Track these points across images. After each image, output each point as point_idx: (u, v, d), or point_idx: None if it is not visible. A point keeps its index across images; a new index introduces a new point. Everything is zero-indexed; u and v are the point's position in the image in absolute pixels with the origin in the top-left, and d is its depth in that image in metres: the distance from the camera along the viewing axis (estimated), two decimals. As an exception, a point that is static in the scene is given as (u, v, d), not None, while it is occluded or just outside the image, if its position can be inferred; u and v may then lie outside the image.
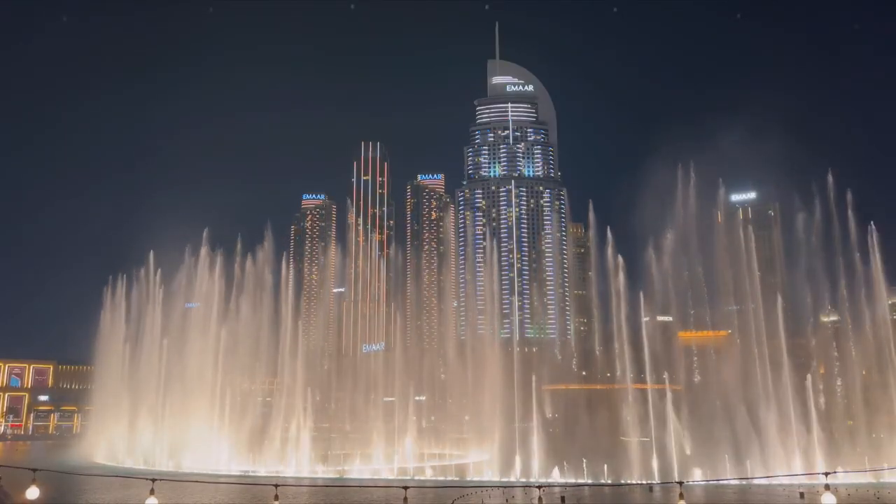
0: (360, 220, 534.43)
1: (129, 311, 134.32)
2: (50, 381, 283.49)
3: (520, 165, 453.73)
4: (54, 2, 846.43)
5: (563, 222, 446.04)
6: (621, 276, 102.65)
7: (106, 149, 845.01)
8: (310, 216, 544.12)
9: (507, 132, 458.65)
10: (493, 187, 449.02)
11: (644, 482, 75.88)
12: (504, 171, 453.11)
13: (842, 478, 71.75)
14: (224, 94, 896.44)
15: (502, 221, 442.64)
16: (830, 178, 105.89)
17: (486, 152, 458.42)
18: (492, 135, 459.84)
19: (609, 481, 78.20)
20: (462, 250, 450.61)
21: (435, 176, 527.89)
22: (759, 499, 69.61)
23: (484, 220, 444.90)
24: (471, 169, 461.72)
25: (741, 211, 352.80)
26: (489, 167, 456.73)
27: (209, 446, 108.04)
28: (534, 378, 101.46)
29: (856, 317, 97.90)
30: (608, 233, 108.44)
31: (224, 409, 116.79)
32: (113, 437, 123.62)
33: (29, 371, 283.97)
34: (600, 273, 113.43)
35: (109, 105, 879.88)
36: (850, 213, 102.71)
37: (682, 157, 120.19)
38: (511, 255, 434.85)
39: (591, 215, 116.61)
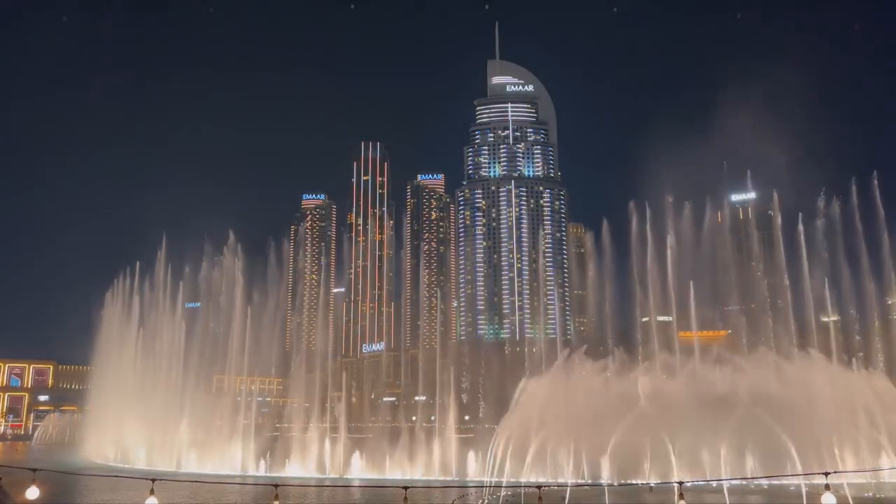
0: (360, 220, 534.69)
1: (129, 311, 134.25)
2: (50, 381, 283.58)
3: (520, 165, 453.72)
4: (58, 1, 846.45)
5: (562, 222, 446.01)
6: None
7: (106, 149, 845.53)
8: (310, 216, 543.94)
9: (507, 132, 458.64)
10: (493, 187, 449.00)
11: (644, 482, 75.79)
12: (504, 171, 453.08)
13: (843, 478, 71.60)
14: (223, 94, 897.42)
15: (502, 221, 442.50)
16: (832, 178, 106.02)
17: (486, 152, 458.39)
18: (492, 135, 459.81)
19: (609, 481, 78.04)
20: (462, 251, 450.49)
21: (435, 176, 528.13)
22: (761, 499, 69.58)
23: (484, 220, 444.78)
24: (471, 169, 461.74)
25: (741, 211, 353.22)
26: (489, 167, 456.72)
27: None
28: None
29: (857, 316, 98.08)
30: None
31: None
32: (112, 438, 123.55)
33: (29, 371, 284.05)
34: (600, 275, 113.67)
35: (109, 106, 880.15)
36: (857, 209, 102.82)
37: (682, 157, 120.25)
38: (511, 255, 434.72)
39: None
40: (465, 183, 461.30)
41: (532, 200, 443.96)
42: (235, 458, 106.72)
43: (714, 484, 72.28)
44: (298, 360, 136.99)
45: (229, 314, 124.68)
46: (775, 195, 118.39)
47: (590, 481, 79.62)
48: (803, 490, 66.02)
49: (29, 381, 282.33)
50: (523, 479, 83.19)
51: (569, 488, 68.80)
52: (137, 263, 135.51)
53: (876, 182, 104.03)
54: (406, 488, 24.93)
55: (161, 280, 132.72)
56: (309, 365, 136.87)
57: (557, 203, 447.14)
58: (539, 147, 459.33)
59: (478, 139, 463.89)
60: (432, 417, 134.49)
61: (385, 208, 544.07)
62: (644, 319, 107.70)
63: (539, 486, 25.84)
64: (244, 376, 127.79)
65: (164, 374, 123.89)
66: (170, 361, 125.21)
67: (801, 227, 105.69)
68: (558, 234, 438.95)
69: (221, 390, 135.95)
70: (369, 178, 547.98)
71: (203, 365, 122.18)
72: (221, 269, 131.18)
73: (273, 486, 24.61)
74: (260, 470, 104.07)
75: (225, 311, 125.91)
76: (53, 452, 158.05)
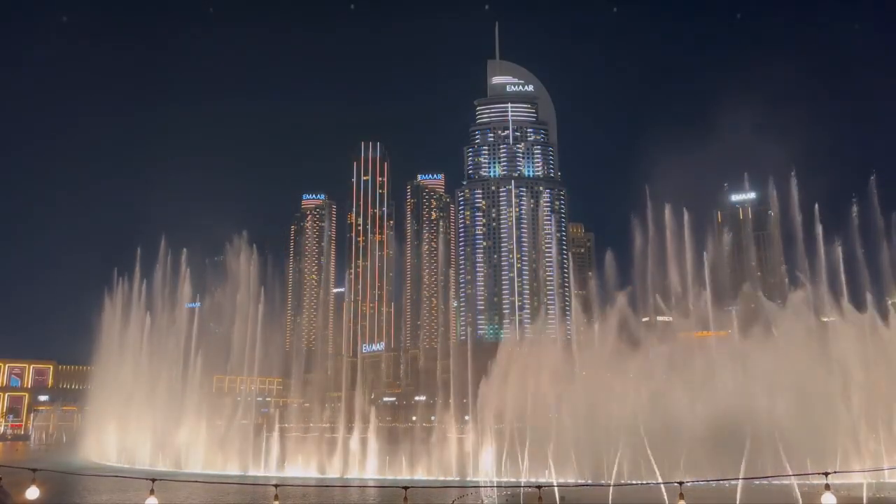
0: (360, 220, 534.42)
1: (129, 311, 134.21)
2: (50, 381, 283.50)
3: (520, 165, 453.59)
4: (56, 1, 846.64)
5: (562, 222, 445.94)
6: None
7: (106, 149, 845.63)
8: (310, 216, 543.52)
9: (507, 132, 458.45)
10: (493, 187, 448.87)
11: (644, 482, 75.77)
12: (504, 171, 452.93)
13: (841, 478, 71.60)
14: (223, 95, 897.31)
15: (502, 221, 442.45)
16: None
17: (486, 152, 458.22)
18: (492, 135, 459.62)
19: (609, 481, 78.05)
20: (462, 250, 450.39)
21: (435, 176, 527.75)
22: (763, 498, 69.55)
23: (484, 220, 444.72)
24: (471, 169, 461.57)
25: (741, 211, 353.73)
26: (489, 167, 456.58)
27: None
28: None
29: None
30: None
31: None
32: (112, 438, 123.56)
33: (29, 371, 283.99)
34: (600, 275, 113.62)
35: (109, 105, 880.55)
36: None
37: (681, 157, 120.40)
38: (511, 255, 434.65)
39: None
40: (465, 183, 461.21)
41: (532, 200, 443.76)
42: (234, 459, 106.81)
43: (714, 484, 72.31)
44: (298, 360, 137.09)
45: (231, 314, 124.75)
46: (774, 195, 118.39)
47: (590, 481, 79.65)
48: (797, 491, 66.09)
49: (29, 381, 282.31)
50: (523, 480, 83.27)
51: (555, 488, 68.73)
52: (137, 264, 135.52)
53: (874, 181, 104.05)
54: (406, 488, 24.93)
55: (161, 280, 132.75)
56: (308, 365, 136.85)
57: (557, 203, 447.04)
58: (539, 147, 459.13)
59: (478, 139, 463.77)
60: (432, 417, 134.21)
61: (385, 208, 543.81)
62: (644, 319, 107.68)
63: (539, 486, 25.84)
64: (244, 376, 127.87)
65: (164, 374, 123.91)
66: (170, 362, 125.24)
67: (799, 227, 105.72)
68: (558, 234, 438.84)
69: (222, 390, 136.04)
70: (369, 178, 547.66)
71: (203, 365, 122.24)
72: (221, 269, 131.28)
73: (273, 486, 24.64)
74: (260, 470, 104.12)
75: (227, 311, 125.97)
76: (53, 452, 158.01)
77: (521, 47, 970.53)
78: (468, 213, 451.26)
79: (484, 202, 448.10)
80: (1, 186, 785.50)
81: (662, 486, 69.39)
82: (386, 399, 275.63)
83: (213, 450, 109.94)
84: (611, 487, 70.28)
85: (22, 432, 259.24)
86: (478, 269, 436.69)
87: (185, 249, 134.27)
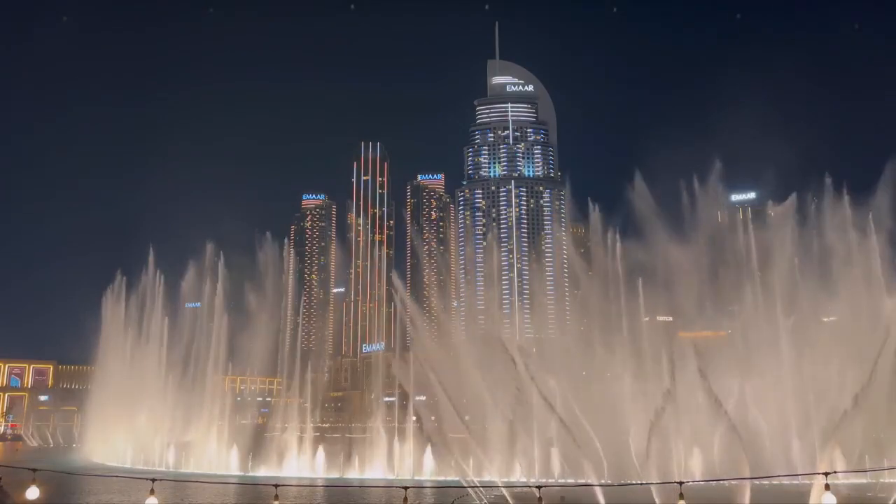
0: (360, 220, 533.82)
1: (130, 311, 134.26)
2: (50, 381, 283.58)
3: (520, 165, 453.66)
4: (56, 1, 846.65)
5: (563, 222, 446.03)
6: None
7: (106, 148, 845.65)
8: (310, 216, 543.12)
9: (507, 132, 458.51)
10: (493, 187, 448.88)
11: (644, 482, 75.69)
12: (504, 171, 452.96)
13: (841, 478, 71.59)
14: (223, 94, 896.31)
15: (502, 221, 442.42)
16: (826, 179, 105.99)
17: (486, 152, 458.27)
18: (492, 135, 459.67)
19: (609, 481, 78.03)
20: (462, 250, 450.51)
21: (435, 176, 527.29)
22: (764, 498, 69.55)
23: (484, 220, 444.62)
24: (471, 169, 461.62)
25: (741, 211, 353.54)
26: (489, 167, 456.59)
27: None
28: None
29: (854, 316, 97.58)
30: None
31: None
32: (112, 438, 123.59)
33: (29, 371, 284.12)
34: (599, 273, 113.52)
35: (109, 104, 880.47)
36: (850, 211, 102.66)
37: (682, 157, 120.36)
38: (511, 255, 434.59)
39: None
40: (465, 183, 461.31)
41: (532, 200, 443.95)
42: (234, 458, 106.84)
43: (714, 484, 72.32)
44: (296, 360, 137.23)
45: (235, 315, 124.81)
46: (770, 200, 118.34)
47: (591, 481, 79.53)
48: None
49: (29, 381, 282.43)
50: (522, 480, 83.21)
51: (539, 488, 68.72)
52: (137, 264, 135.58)
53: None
54: (406, 488, 24.95)
55: (161, 280, 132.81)
56: (312, 365, 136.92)
57: (557, 203, 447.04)
58: (539, 147, 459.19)
59: (478, 139, 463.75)
60: (432, 417, 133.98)
61: (385, 208, 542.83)
62: (644, 319, 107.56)
63: (539, 486, 25.82)
64: (244, 376, 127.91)
65: (164, 374, 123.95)
66: (170, 362, 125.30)
67: (796, 227, 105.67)
68: (558, 234, 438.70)
69: (222, 390, 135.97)
70: (369, 178, 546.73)
71: (203, 365, 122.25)
72: (222, 269, 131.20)
73: (273, 486, 24.64)
74: (260, 470, 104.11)
75: (232, 312, 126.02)
76: (51, 452, 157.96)
77: (521, 47, 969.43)
78: (468, 213, 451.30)
79: (484, 202, 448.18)
80: (1, 186, 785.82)
81: (659, 485, 69.26)
82: (386, 399, 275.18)
83: (212, 450, 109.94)
84: (596, 488, 70.16)
85: (22, 432, 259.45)
86: (478, 269, 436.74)
87: (188, 249, 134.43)
